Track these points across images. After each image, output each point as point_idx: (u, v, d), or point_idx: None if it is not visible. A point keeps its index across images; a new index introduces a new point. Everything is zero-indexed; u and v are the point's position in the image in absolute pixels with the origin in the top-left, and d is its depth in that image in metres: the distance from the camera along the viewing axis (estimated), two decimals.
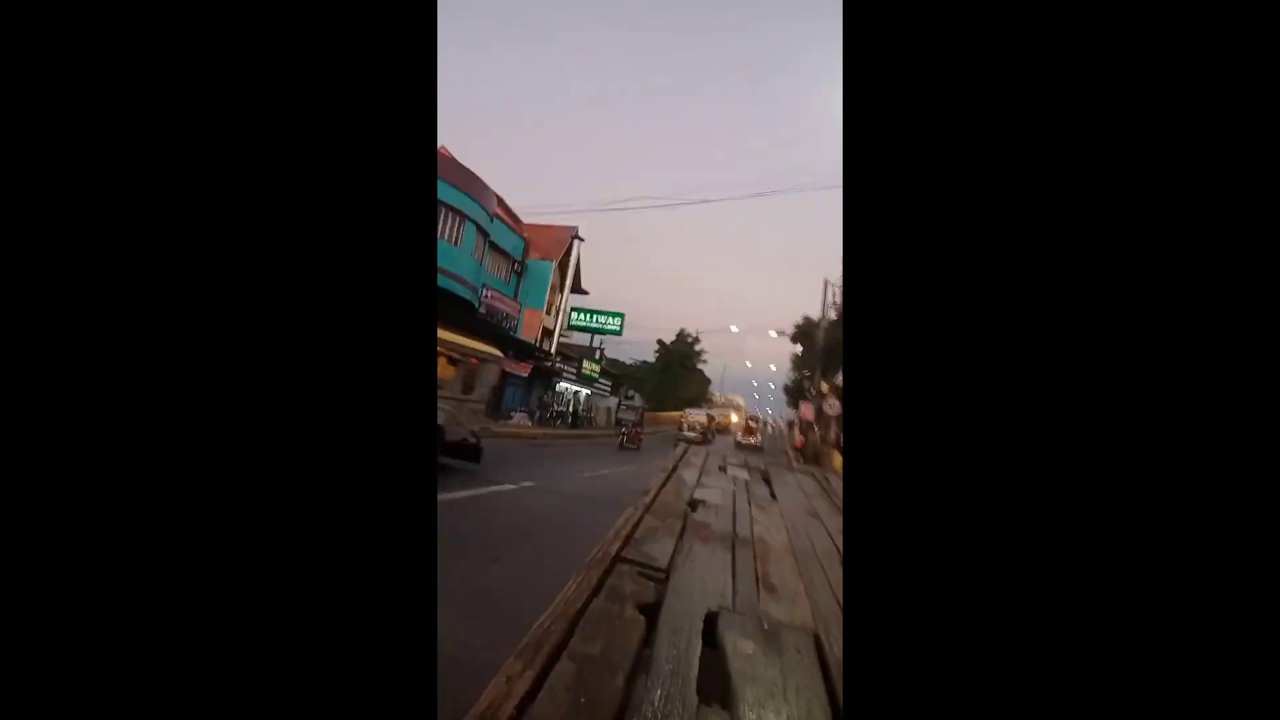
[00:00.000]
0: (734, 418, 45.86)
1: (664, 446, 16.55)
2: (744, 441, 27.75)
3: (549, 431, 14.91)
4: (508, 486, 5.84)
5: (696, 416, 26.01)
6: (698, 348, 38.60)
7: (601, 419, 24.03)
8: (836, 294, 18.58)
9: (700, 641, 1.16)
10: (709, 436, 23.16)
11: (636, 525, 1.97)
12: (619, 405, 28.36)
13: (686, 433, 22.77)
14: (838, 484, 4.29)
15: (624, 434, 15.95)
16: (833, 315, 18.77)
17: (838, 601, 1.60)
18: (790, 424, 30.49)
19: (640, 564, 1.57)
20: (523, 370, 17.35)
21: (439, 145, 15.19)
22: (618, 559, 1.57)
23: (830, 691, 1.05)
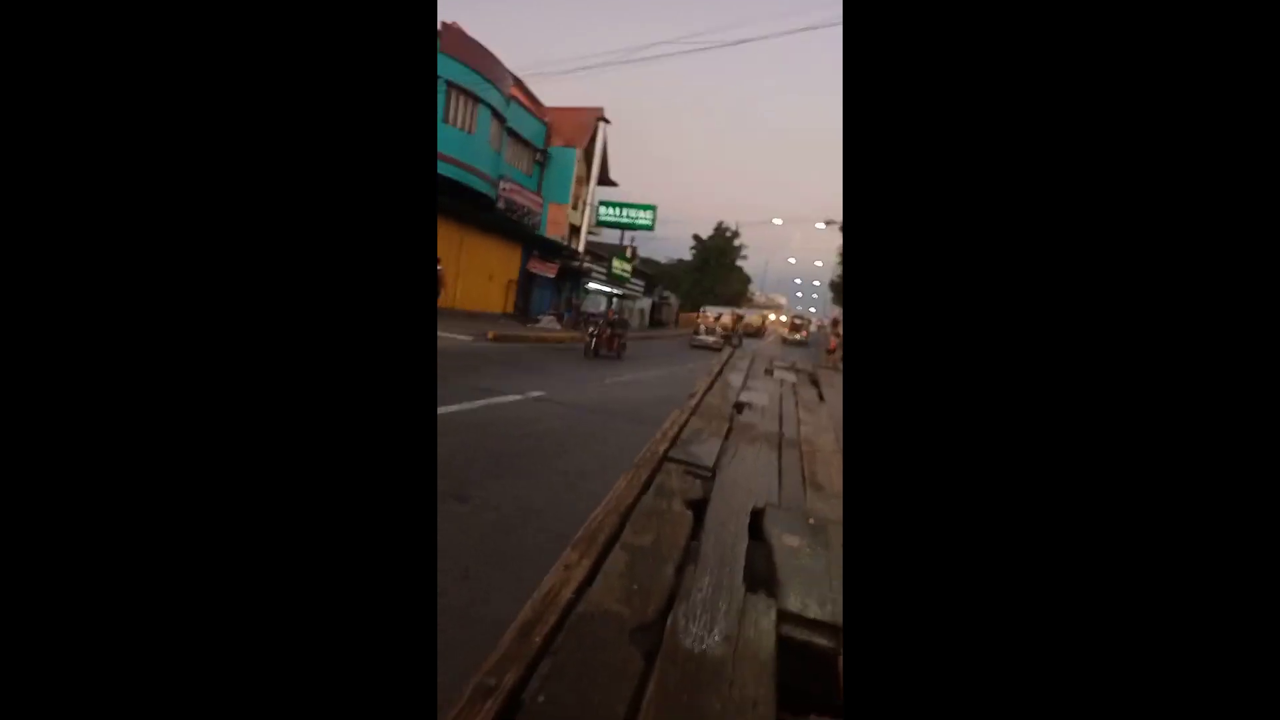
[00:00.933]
0: (773, 317, 43.06)
1: (680, 353, 15.38)
2: (790, 338, 33.85)
3: (578, 335, 14.51)
4: (512, 397, 5.42)
5: (715, 315, 22.35)
6: (737, 243, 36.64)
7: (635, 321, 23.44)
8: None
9: (747, 535, 1.20)
10: (734, 341, 19.18)
11: (683, 427, 1.97)
12: (652, 305, 27.72)
13: (703, 336, 18.98)
14: None
15: (592, 335, 11.10)
16: None
17: None
18: (833, 321, 29.29)
19: (687, 463, 1.58)
20: (549, 271, 16.71)
21: (447, 20, 13.98)
22: (665, 458, 1.58)
23: None
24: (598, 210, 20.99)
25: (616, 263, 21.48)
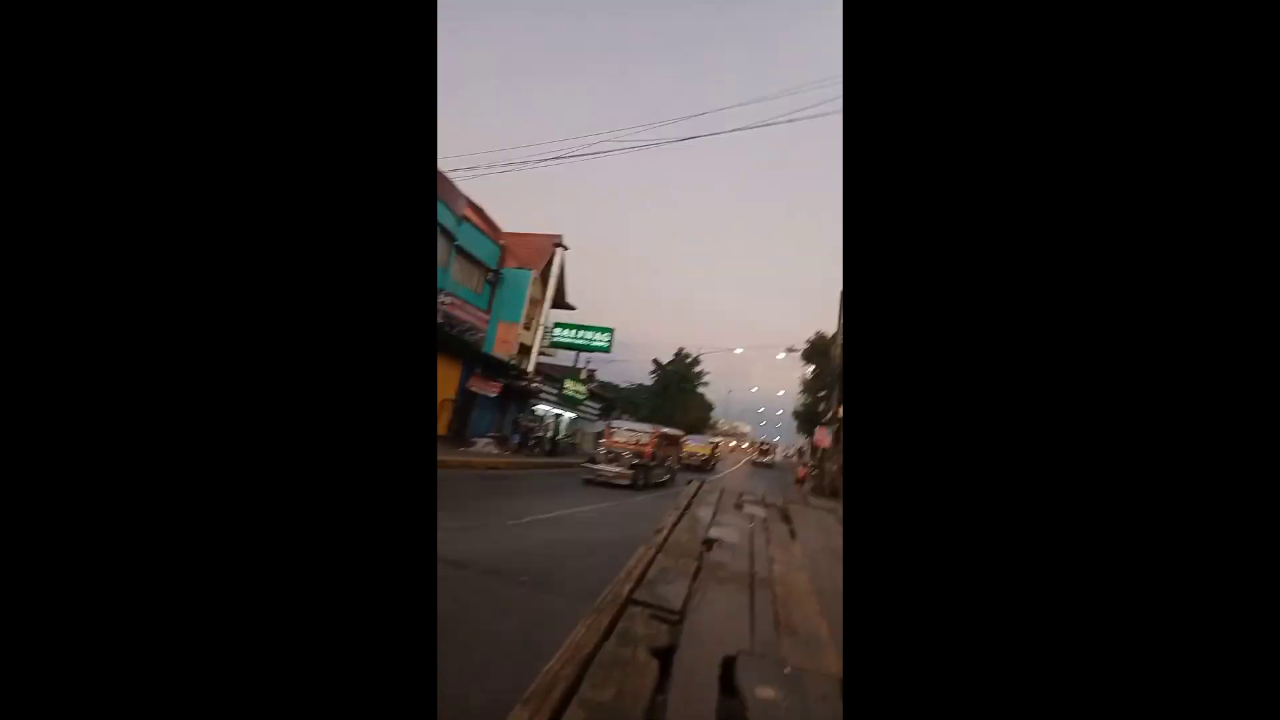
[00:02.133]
0: (733, 443, 42.72)
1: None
2: (759, 461, 37.87)
3: (518, 460, 13.27)
4: None
5: (626, 436, 13.26)
6: (697, 369, 36.95)
7: (589, 445, 22.19)
8: None
9: (717, 687, 1.17)
10: (660, 475, 13.12)
11: (649, 565, 1.94)
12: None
13: (603, 465, 11.90)
14: None
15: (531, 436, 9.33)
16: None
17: None
18: (798, 451, 28.90)
19: (653, 606, 1.54)
20: (491, 390, 15.81)
21: None
22: (629, 600, 1.56)
23: None
24: (552, 331, 20.77)
25: (569, 384, 20.79)
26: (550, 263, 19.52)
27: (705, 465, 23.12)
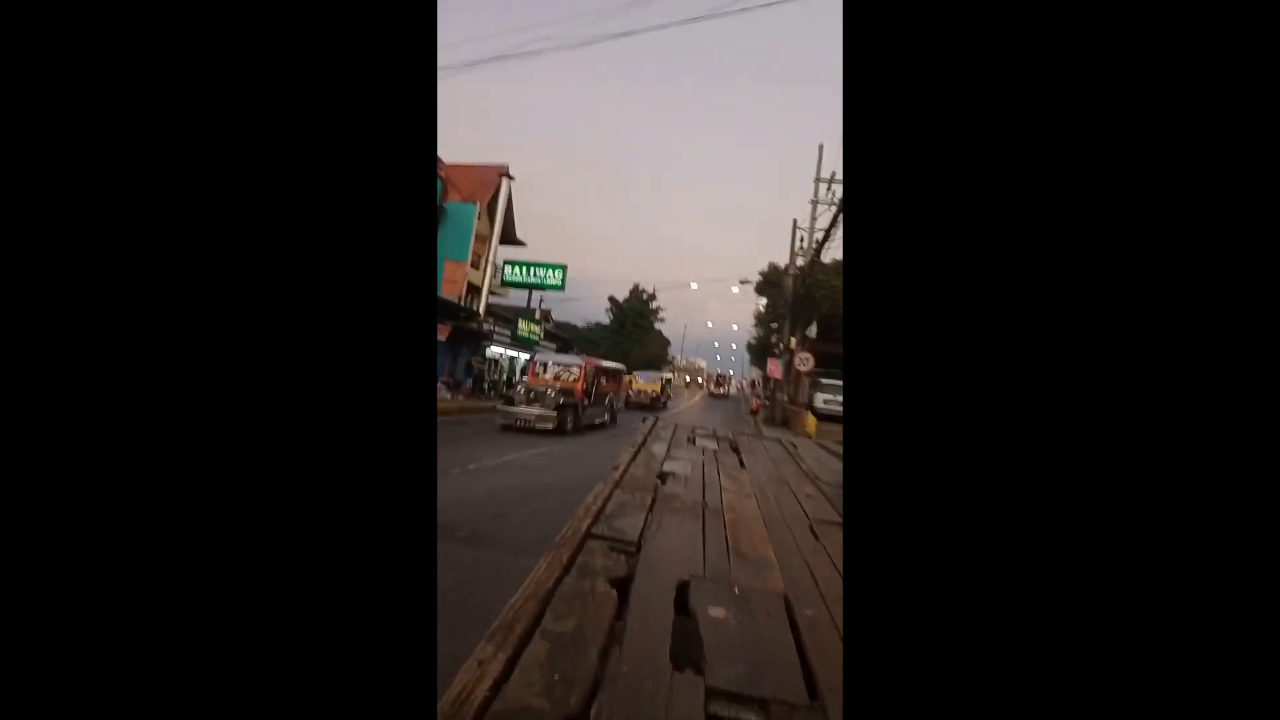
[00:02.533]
0: (682, 378, 44.31)
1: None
2: (715, 392, 40.26)
3: (470, 405, 13.09)
4: None
5: (553, 372, 11.19)
6: (654, 305, 36.95)
7: None
8: (805, 238, 17.21)
9: (673, 610, 1.22)
10: (575, 415, 10.21)
11: (606, 500, 2.00)
12: None
13: (522, 407, 9.60)
14: (809, 451, 4.40)
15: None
16: (801, 261, 17.42)
17: (807, 565, 1.68)
18: (752, 383, 29.61)
19: (611, 539, 1.61)
20: (440, 333, 15.36)
21: None
22: (588, 535, 1.61)
23: (800, 652, 1.12)
24: (502, 270, 20.10)
25: (523, 324, 20.41)
26: (496, 195, 18.58)
27: (656, 403, 21.02)
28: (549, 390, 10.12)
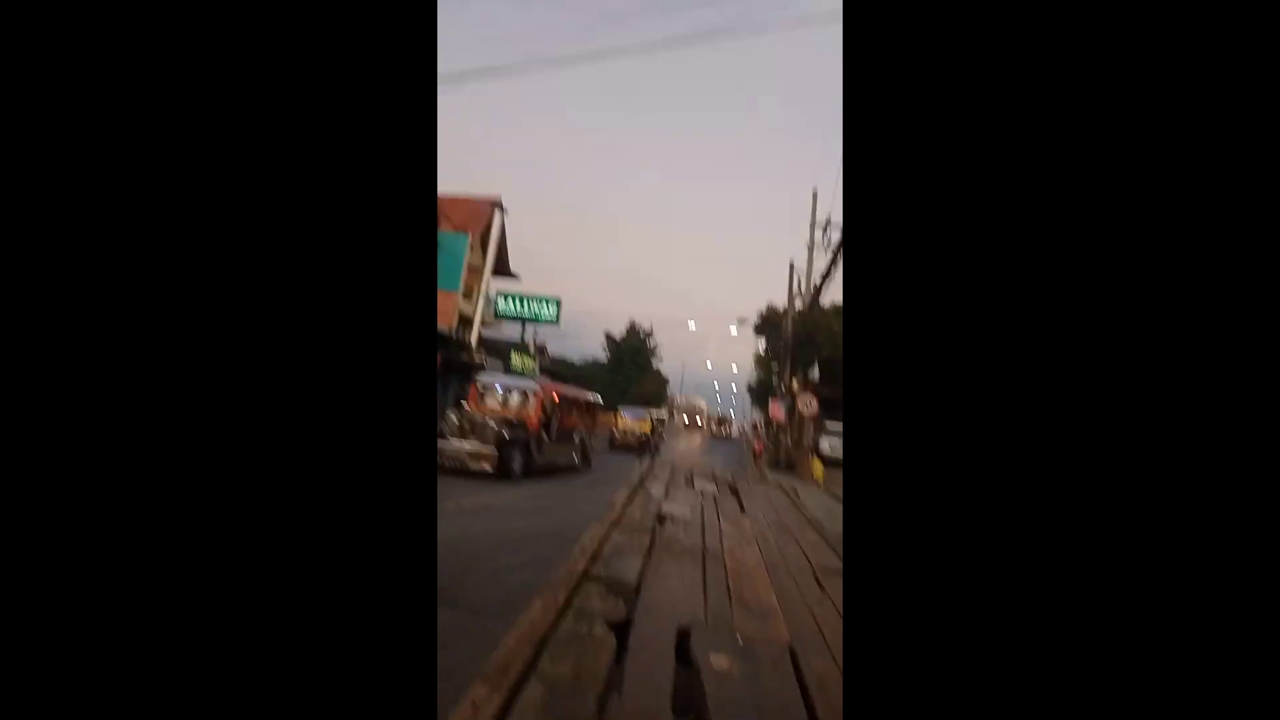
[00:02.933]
0: (683, 419, 44.44)
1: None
2: (718, 433, 40.93)
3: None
4: None
5: (498, 399, 8.58)
6: (651, 343, 36.55)
7: None
8: (803, 281, 16.95)
9: (673, 658, 1.22)
10: (525, 454, 7.79)
11: (604, 542, 2.05)
12: None
13: (453, 439, 7.37)
14: (816, 500, 4.26)
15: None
16: (799, 304, 17.10)
17: (812, 615, 1.67)
18: (754, 426, 28.84)
19: (609, 581, 1.63)
20: None
21: None
22: (585, 577, 1.65)
23: (809, 707, 1.11)
24: (495, 302, 19.78)
25: (516, 357, 19.93)
26: (489, 227, 18.45)
27: (644, 446, 16.95)
28: (489, 421, 7.71)
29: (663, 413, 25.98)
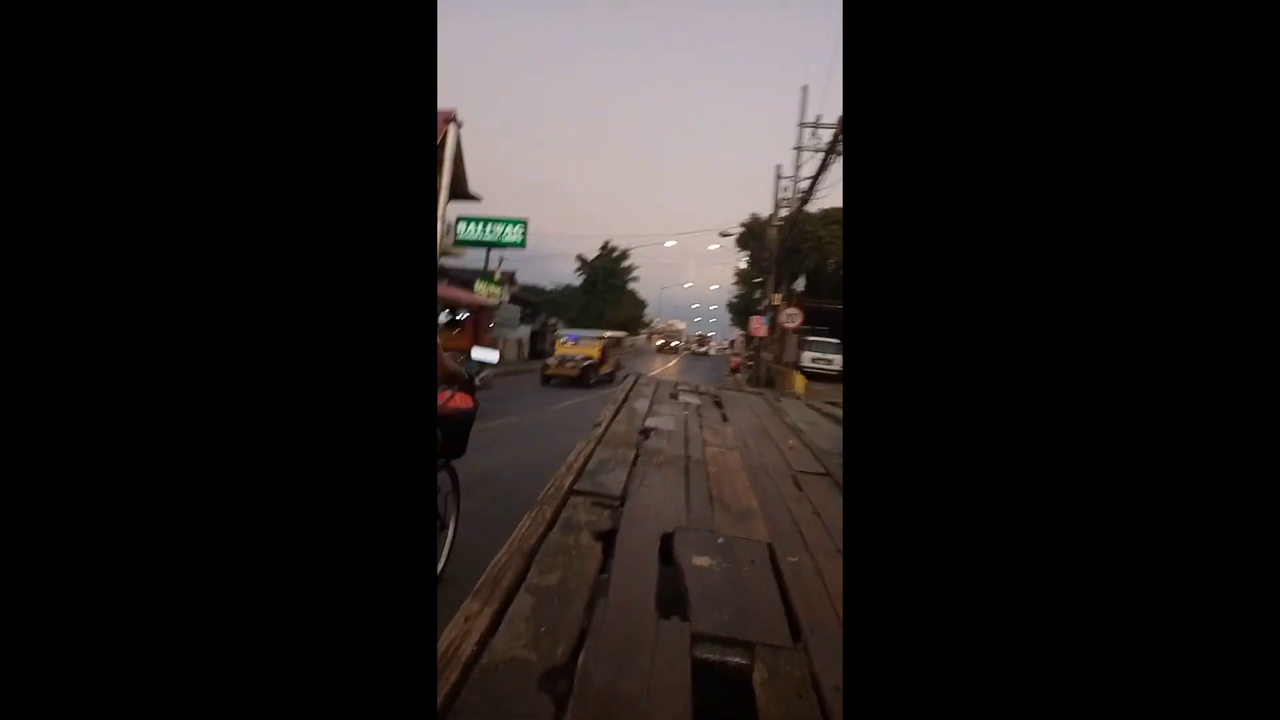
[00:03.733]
0: (658, 341, 45.33)
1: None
2: (697, 351, 44.24)
3: None
4: None
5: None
6: (625, 263, 35.72)
7: (511, 353, 21.03)
8: (789, 186, 16.22)
9: (657, 561, 1.26)
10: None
11: (589, 458, 2.03)
12: (532, 334, 25.05)
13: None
14: (798, 413, 4.26)
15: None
16: (785, 211, 16.46)
17: (790, 514, 1.73)
18: (731, 343, 28.80)
19: (594, 494, 1.64)
20: None
21: None
22: (571, 491, 1.64)
23: (785, 598, 1.16)
24: (455, 227, 18.83)
25: (481, 286, 19.26)
26: (443, 143, 17.19)
27: (585, 378, 13.88)
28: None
29: (615, 332, 20.91)
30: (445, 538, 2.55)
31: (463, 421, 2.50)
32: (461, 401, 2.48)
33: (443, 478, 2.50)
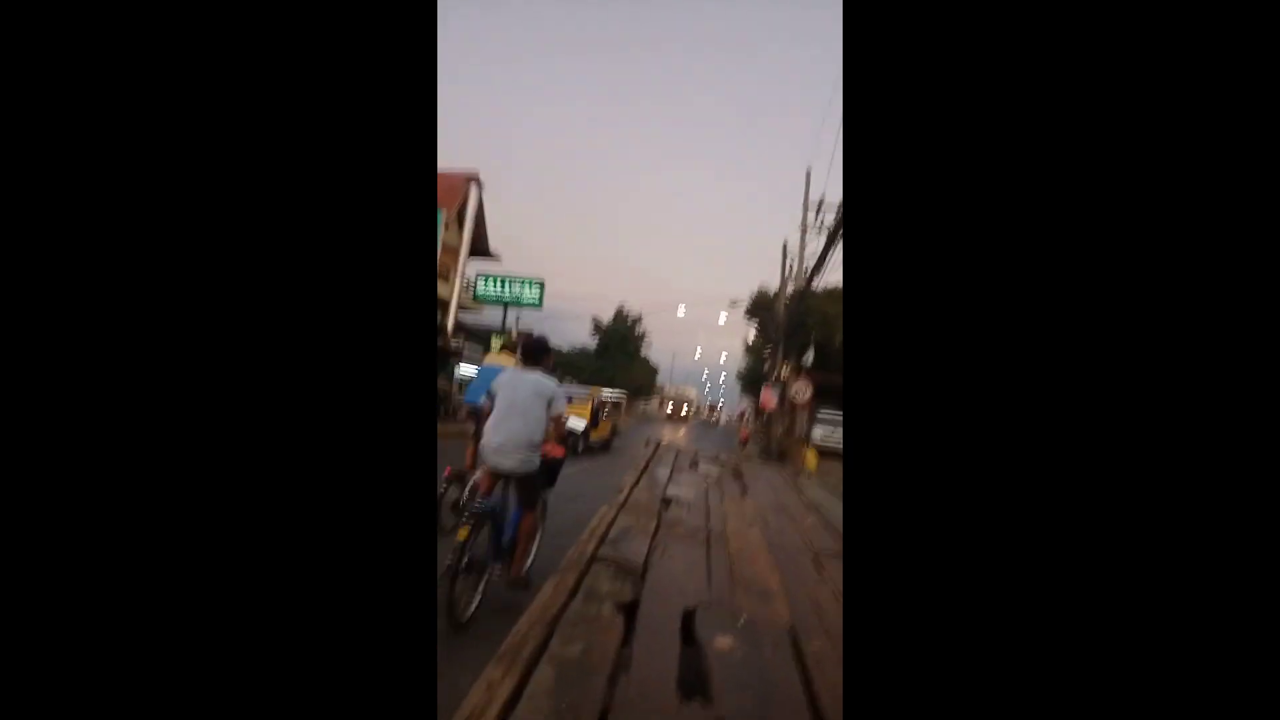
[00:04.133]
0: (668, 408, 43.53)
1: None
2: (709, 420, 44.14)
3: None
4: None
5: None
6: (639, 330, 36.10)
7: None
8: (795, 265, 16.65)
9: (679, 639, 1.28)
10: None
11: (611, 524, 2.14)
12: None
13: None
14: (808, 488, 4.49)
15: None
16: (792, 287, 16.81)
17: (811, 597, 1.75)
18: (741, 414, 28.64)
19: (617, 563, 1.68)
20: None
21: None
22: (594, 559, 1.70)
23: (808, 687, 1.17)
24: (474, 284, 19.30)
25: (496, 341, 19.47)
26: (465, 203, 17.92)
27: (567, 446, 6.60)
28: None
29: (611, 392, 17.84)
30: (533, 545, 3.21)
31: (555, 466, 3.27)
32: (555, 451, 3.17)
33: (545, 495, 3.32)
